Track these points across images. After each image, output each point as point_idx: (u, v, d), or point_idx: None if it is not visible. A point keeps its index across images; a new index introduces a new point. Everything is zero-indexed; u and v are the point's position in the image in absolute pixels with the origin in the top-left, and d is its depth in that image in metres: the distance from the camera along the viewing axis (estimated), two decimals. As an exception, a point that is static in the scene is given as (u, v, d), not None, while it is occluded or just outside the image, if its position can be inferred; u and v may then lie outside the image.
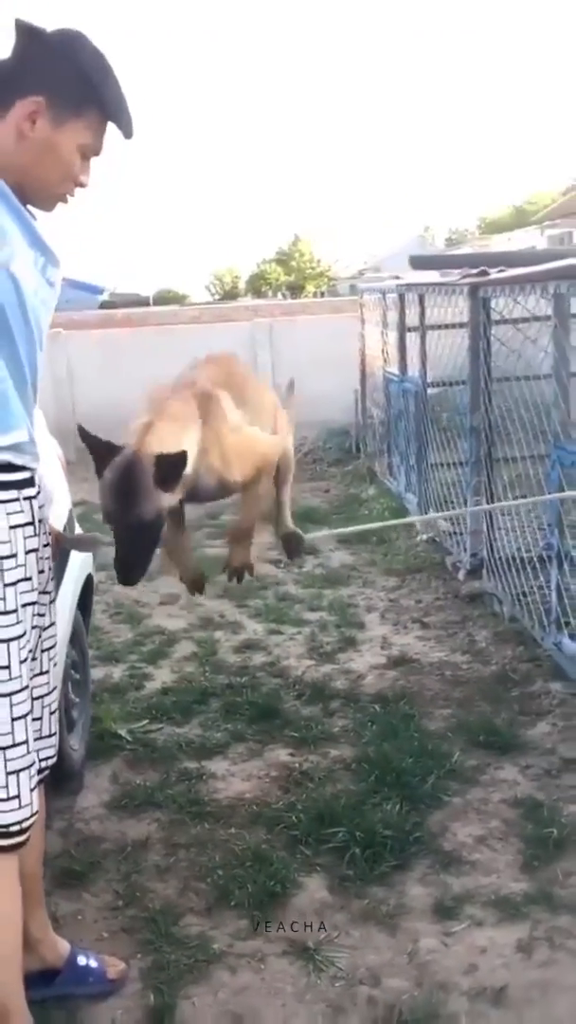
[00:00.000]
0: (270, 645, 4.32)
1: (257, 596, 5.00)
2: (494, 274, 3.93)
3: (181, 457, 1.95)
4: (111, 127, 1.84)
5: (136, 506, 1.93)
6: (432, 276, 5.32)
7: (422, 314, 5.50)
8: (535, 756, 3.18)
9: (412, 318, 5.88)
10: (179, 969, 2.27)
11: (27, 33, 1.73)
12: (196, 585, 2.51)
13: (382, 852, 2.65)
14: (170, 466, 1.94)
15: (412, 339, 6.05)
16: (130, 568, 1.97)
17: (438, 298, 5.12)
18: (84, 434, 1.99)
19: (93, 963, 2.22)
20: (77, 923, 2.47)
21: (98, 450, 1.98)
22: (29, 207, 1.83)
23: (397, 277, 7.00)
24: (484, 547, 4.61)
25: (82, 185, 1.86)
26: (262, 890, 2.53)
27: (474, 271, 4.13)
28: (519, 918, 2.40)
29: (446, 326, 5.17)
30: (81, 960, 2.21)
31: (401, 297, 6.06)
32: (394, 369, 6.48)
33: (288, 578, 5.30)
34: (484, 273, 4.00)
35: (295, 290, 43.19)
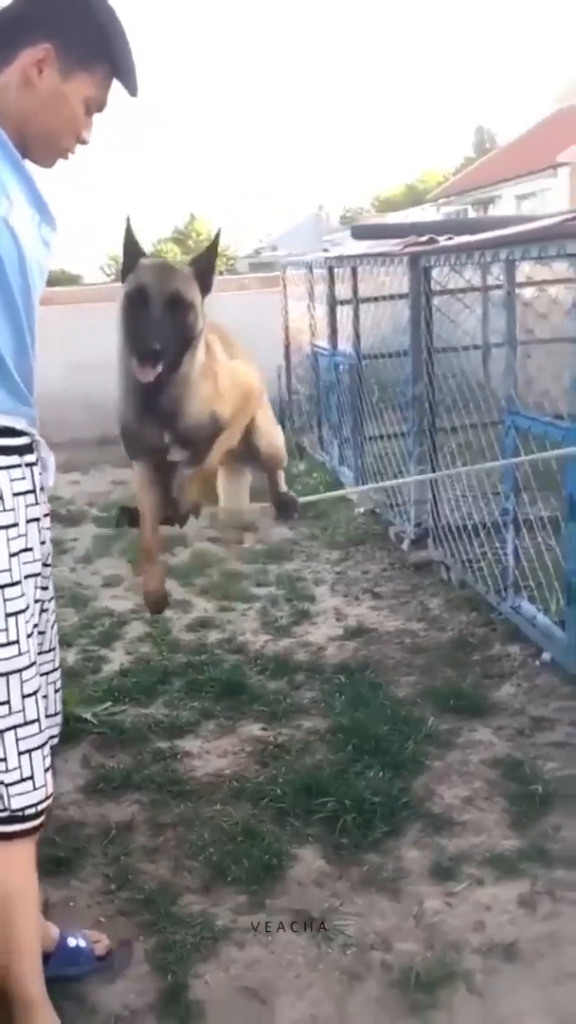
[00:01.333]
0: (223, 622, 4.27)
1: (202, 574, 4.94)
2: (442, 242, 3.94)
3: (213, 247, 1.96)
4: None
5: (174, 280, 1.89)
6: (373, 246, 5.31)
7: (355, 286, 5.49)
8: (505, 717, 3.23)
9: (344, 291, 5.88)
10: (186, 948, 2.23)
11: None
12: (158, 602, 2.36)
13: (372, 819, 2.65)
14: (207, 268, 1.94)
15: (343, 312, 6.05)
16: (153, 335, 1.86)
17: (375, 269, 5.11)
18: (128, 229, 1.93)
19: (82, 943, 2.17)
20: (70, 909, 2.40)
21: (133, 249, 1.95)
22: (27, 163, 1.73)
23: (325, 250, 6.98)
24: (429, 516, 4.64)
25: (84, 141, 1.78)
26: (258, 864, 2.50)
27: (422, 239, 4.13)
28: (517, 874, 2.43)
29: (381, 298, 5.17)
30: (71, 942, 2.15)
31: (331, 270, 6.04)
32: (323, 343, 6.46)
33: (230, 555, 5.25)
34: (432, 241, 4.01)
35: (193, 269, 42.70)
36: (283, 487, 2.54)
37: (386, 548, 5.11)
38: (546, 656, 3.51)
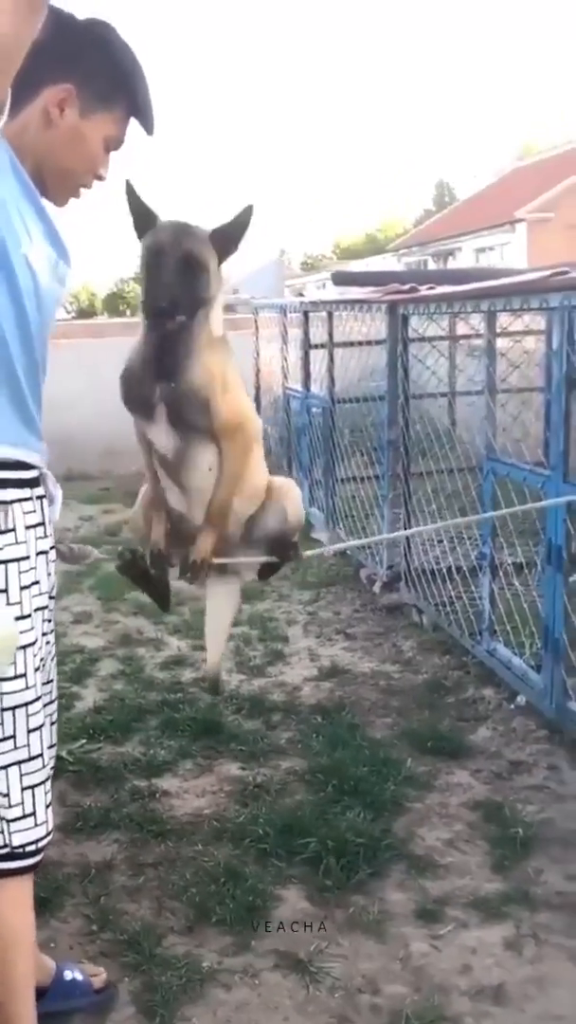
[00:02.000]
0: (197, 661, 4.26)
1: (173, 612, 4.92)
2: (424, 291, 4.04)
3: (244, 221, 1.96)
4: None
5: (189, 239, 1.91)
6: (349, 292, 5.41)
7: (330, 331, 5.58)
8: (483, 760, 3.25)
9: (317, 335, 5.96)
10: (172, 990, 2.20)
11: (57, 17, 1.67)
12: (158, 557, 2.20)
13: (355, 860, 2.65)
14: (228, 237, 1.96)
15: (316, 356, 6.13)
16: (167, 294, 1.90)
17: (350, 314, 5.21)
18: (131, 192, 1.96)
19: (79, 976, 2.14)
20: (51, 951, 2.33)
21: (143, 214, 1.97)
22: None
23: (301, 295, 7.06)
24: (401, 559, 4.69)
25: (100, 178, 1.82)
26: (241, 905, 2.48)
27: (404, 287, 4.23)
28: (501, 917, 2.44)
29: (356, 343, 5.26)
30: (67, 975, 2.12)
31: (306, 314, 6.13)
32: (296, 386, 6.53)
33: (201, 593, 5.22)
34: (415, 290, 4.10)
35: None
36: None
37: (357, 590, 5.14)
38: (521, 699, 3.55)
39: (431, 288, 4.02)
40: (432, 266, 27.01)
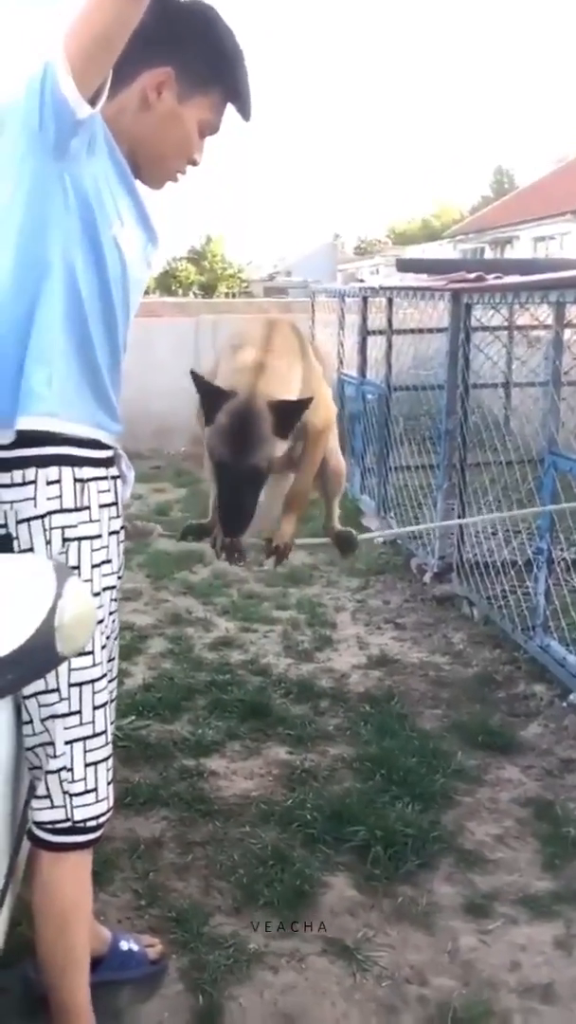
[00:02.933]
0: (245, 643, 4.27)
1: (221, 594, 4.94)
2: (491, 280, 3.98)
3: (302, 405, 1.93)
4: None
5: (251, 453, 1.89)
6: (419, 279, 5.36)
7: (390, 317, 5.53)
8: (533, 757, 3.23)
9: (377, 322, 5.92)
10: (219, 969, 2.21)
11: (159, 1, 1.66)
12: (230, 547, 2.24)
13: (403, 851, 2.64)
14: (289, 413, 1.91)
15: (373, 342, 6.09)
16: (237, 518, 1.94)
17: (410, 302, 5.16)
18: (197, 378, 1.94)
19: (135, 946, 2.17)
20: (100, 923, 2.38)
21: (210, 395, 1.93)
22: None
23: (361, 280, 7.03)
24: (454, 551, 4.66)
25: (195, 163, 1.80)
26: (289, 889, 2.49)
27: (471, 275, 4.17)
28: (551, 916, 2.42)
29: (416, 331, 5.21)
30: (123, 945, 2.15)
31: (365, 300, 6.09)
32: (352, 372, 6.50)
33: (249, 576, 5.25)
34: (481, 278, 4.05)
35: (207, 290, 42.97)
36: (338, 524, 2.53)
37: (407, 579, 5.12)
38: (573, 697, 3.51)
39: (498, 277, 3.97)
40: (489, 254, 26.70)
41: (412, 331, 5.23)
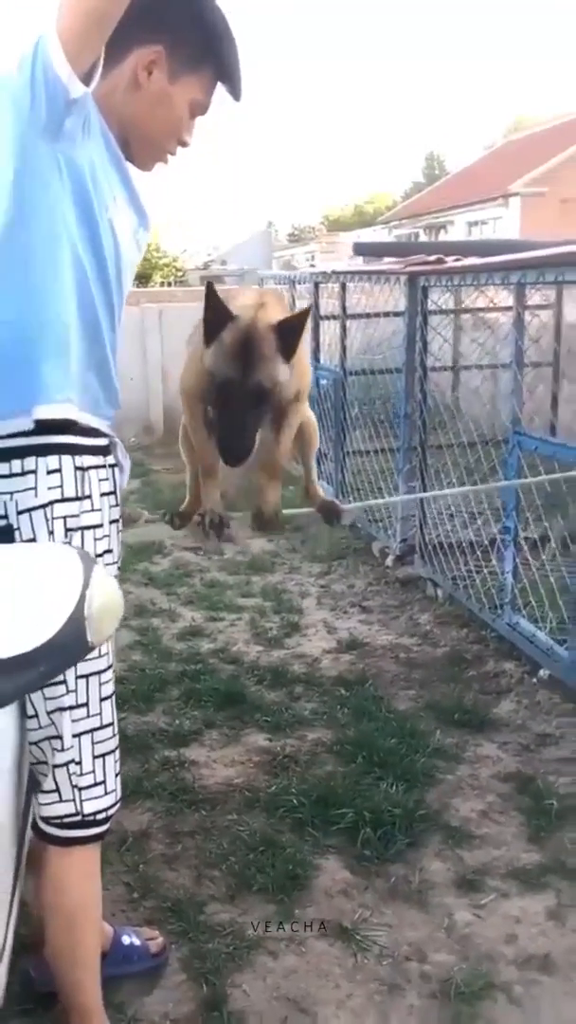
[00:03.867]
0: (213, 632, 4.25)
1: (183, 583, 4.92)
2: (451, 262, 4.00)
3: (303, 317, 1.92)
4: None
5: (257, 370, 1.88)
6: (375, 263, 5.36)
7: (343, 302, 5.54)
8: (508, 733, 3.27)
9: (329, 307, 5.92)
10: (220, 958, 2.21)
11: None
12: (217, 523, 2.23)
13: (392, 831, 2.66)
14: (292, 331, 1.90)
15: (326, 327, 6.09)
16: (240, 443, 1.90)
17: (362, 287, 5.17)
18: (211, 291, 1.91)
19: (136, 941, 2.15)
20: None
21: (217, 314, 1.91)
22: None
23: (312, 264, 7.00)
24: (416, 532, 4.69)
25: (185, 144, 1.78)
26: (281, 874, 2.49)
27: (431, 258, 4.19)
28: (541, 888, 2.46)
29: (372, 315, 5.22)
30: (125, 939, 2.14)
31: (316, 286, 6.08)
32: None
33: (211, 565, 5.23)
34: (441, 261, 4.07)
35: (142, 280, 42.52)
36: (321, 493, 2.54)
37: (369, 563, 5.14)
38: (543, 673, 3.56)
39: (458, 260, 3.99)
40: (424, 238, 26.85)
41: (367, 315, 5.23)
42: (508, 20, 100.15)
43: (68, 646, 1.15)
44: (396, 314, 4.80)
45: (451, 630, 4.17)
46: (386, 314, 5.01)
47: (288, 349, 1.92)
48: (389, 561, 4.96)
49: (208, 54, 1.71)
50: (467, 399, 6.38)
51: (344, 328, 5.56)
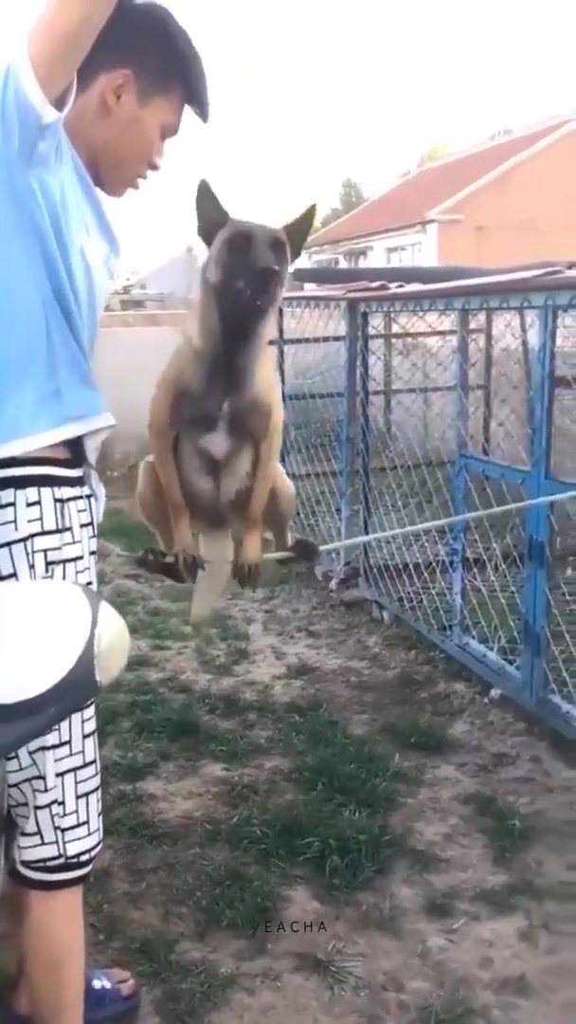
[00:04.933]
0: (160, 660, 4.19)
1: (126, 611, 4.84)
2: (393, 288, 4.05)
3: (309, 215, 1.90)
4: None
5: (274, 228, 1.82)
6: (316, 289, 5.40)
7: (280, 327, 5.56)
8: (465, 754, 3.29)
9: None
10: (195, 997, 2.15)
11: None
12: (190, 564, 2.09)
13: (359, 858, 2.64)
14: (301, 230, 1.87)
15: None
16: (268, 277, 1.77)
17: (292, 312, 5.20)
18: (204, 189, 1.81)
19: (107, 984, 2.09)
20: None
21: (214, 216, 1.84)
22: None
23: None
24: (360, 555, 4.71)
25: (156, 167, 1.76)
26: (251, 908, 2.45)
27: (373, 284, 4.24)
28: (510, 909, 2.46)
29: (309, 340, 5.26)
30: (96, 983, 2.06)
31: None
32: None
33: (153, 592, 5.17)
34: (384, 287, 4.11)
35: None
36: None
37: (312, 587, 5.13)
38: (495, 693, 3.60)
39: (400, 286, 4.05)
40: (343, 265, 27.23)
41: (307, 340, 5.26)
42: (421, 51, 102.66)
43: (77, 688, 1.11)
44: (336, 339, 4.83)
45: (400, 652, 4.19)
46: (325, 339, 5.05)
47: (295, 249, 1.86)
48: (333, 584, 4.97)
49: (176, 76, 1.71)
50: (400, 422, 6.46)
51: (282, 353, 5.58)
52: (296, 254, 1.88)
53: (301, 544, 2.34)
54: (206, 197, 1.82)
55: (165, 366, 2.04)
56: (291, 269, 1.96)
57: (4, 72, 1.46)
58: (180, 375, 1.95)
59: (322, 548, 2.57)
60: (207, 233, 1.84)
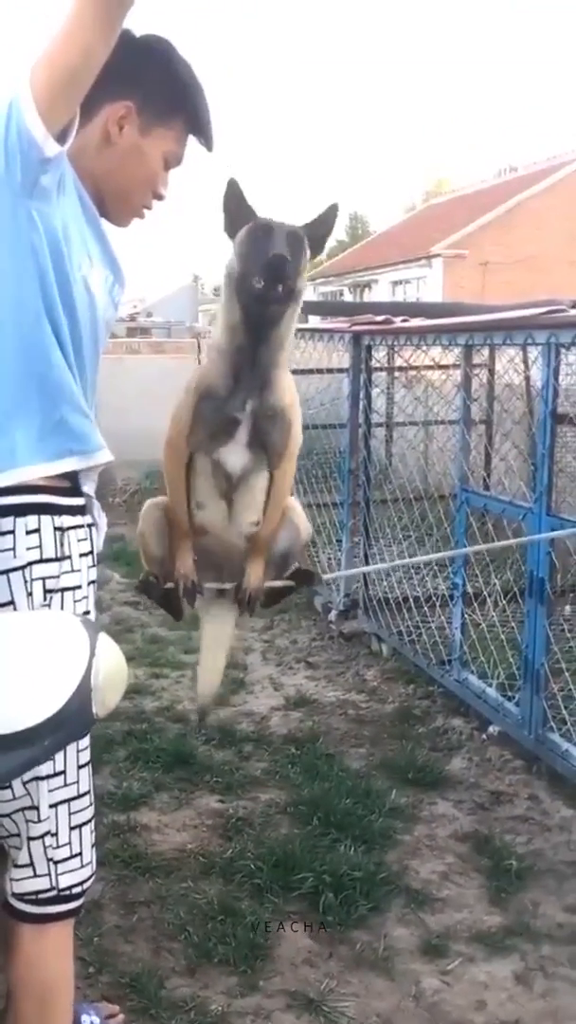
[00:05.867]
0: (157, 689, 4.17)
1: (124, 639, 4.82)
2: (398, 322, 4.08)
3: (333, 211, 1.96)
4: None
5: (295, 225, 1.89)
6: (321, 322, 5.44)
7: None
8: (462, 791, 3.26)
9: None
10: (184, 1035, 2.12)
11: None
12: (190, 590, 2.13)
13: (353, 895, 2.60)
14: (324, 225, 1.95)
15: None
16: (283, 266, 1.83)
17: (308, 343, 5.23)
18: (233, 186, 1.90)
19: (96, 1019, 2.06)
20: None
21: (240, 211, 1.92)
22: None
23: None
24: (360, 587, 4.70)
25: (161, 197, 1.78)
26: (243, 944, 2.41)
27: (378, 318, 4.26)
28: (506, 951, 2.43)
29: (313, 371, 5.28)
30: (85, 1018, 2.03)
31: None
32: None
33: (151, 620, 5.15)
34: (389, 321, 4.14)
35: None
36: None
37: (311, 618, 5.12)
38: (493, 729, 3.57)
39: (405, 320, 4.07)
40: (348, 297, 27.42)
41: (310, 371, 5.28)
42: (430, 88, 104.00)
43: (74, 719, 1.11)
44: (340, 370, 4.85)
45: (398, 686, 4.16)
46: (329, 370, 5.07)
47: (317, 244, 1.93)
48: (332, 616, 4.95)
49: (179, 106, 1.73)
50: (402, 455, 6.48)
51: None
52: (318, 250, 1.93)
53: (300, 573, 2.34)
54: (234, 195, 1.90)
55: (186, 381, 2.06)
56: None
57: (7, 109, 1.48)
58: (205, 376, 1.99)
59: (347, 573, 2.58)
60: (233, 230, 1.91)
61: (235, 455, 2.00)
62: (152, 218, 1.86)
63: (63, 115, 1.48)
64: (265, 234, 1.86)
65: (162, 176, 1.77)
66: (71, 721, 1.09)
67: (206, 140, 1.78)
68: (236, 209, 1.91)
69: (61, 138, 1.50)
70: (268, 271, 1.81)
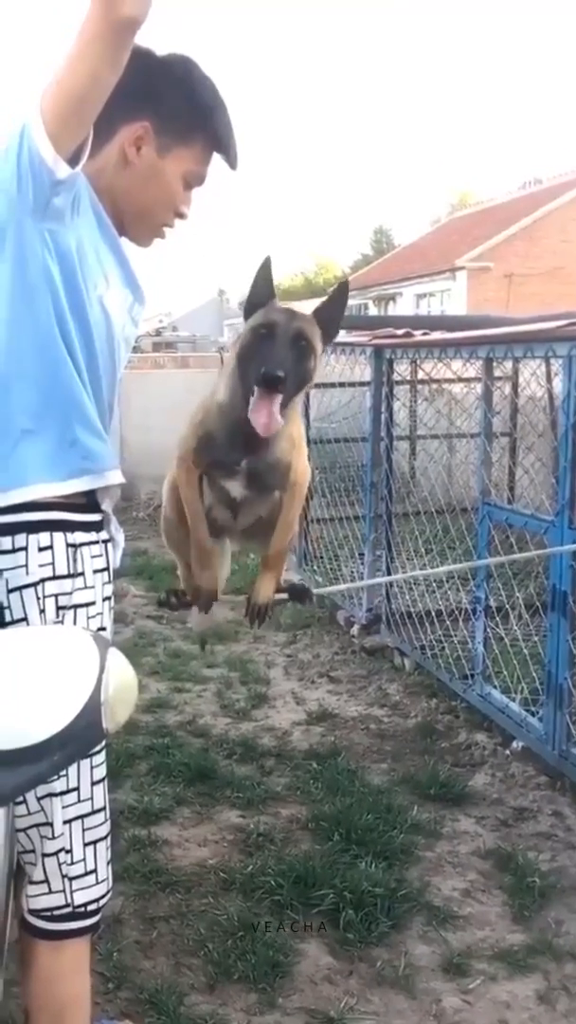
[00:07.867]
0: (179, 703, 4.17)
1: (147, 653, 4.83)
2: (418, 336, 4.07)
3: (343, 291, 1.97)
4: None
5: (302, 319, 1.87)
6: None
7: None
8: (485, 807, 3.23)
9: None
10: (203, 1053, 2.11)
11: (135, 54, 1.64)
12: (209, 600, 2.20)
13: (374, 912, 2.59)
14: (334, 306, 1.94)
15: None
16: (276, 366, 1.82)
17: (330, 357, 5.23)
18: (266, 265, 1.92)
19: None
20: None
21: (263, 289, 1.92)
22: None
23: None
24: (382, 601, 4.68)
25: (182, 216, 1.78)
26: (263, 961, 2.40)
27: (399, 331, 4.26)
28: (528, 970, 2.40)
29: (335, 384, 5.28)
30: None
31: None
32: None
33: (174, 634, 5.16)
34: (409, 335, 4.14)
35: (93, 345, 42.59)
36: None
37: (334, 632, 5.10)
38: (517, 745, 3.54)
39: (425, 334, 4.07)
40: (373, 310, 27.42)
41: (332, 385, 5.28)
42: (455, 102, 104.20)
43: (83, 734, 1.11)
44: (362, 384, 4.85)
45: (421, 700, 4.14)
46: (351, 384, 5.07)
47: (330, 331, 1.94)
48: (355, 630, 4.93)
49: (197, 125, 1.72)
50: (424, 468, 6.46)
51: (308, 397, 5.59)
52: (331, 336, 1.93)
53: (295, 588, 2.35)
54: (263, 273, 1.91)
55: (198, 403, 2.08)
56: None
57: (19, 134, 1.49)
58: (205, 420, 2.00)
59: (344, 587, 2.60)
60: (250, 310, 1.92)
61: (237, 488, 2.07)
62: (178, 232, 1.87)
63: (73, 138, 1.49)
64: (269, 334, 1.85)
65: (182, 196, 1.77)
66: (80, 736, 1.09)
67: (229, 158, 1.78)
68: (259, 286, 1.92)
69: (74, 160, 1.51)
70: (264, 383, 1.81)
